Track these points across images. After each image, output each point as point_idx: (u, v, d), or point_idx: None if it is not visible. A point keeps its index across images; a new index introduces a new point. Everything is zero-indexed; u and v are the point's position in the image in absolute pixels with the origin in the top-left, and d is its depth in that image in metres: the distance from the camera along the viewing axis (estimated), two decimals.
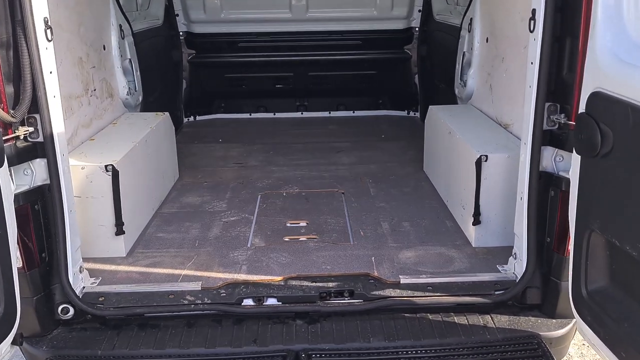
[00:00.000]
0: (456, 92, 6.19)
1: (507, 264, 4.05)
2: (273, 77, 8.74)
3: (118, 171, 4.13)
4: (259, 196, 5.60)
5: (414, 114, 8.83)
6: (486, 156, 4.21)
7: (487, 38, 5.40)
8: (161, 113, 5.71)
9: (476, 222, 4.32)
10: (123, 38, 5.67)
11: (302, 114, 8.94)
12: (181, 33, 8.22)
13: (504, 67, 4.94)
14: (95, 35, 5.07)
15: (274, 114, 8.91)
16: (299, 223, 4.97)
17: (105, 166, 4.10)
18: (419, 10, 8.22)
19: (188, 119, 8.65)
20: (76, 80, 4.60)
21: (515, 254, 3.91)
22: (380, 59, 8.59)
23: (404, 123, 8.57)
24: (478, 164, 4.20)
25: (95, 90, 4.98)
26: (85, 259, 4.09)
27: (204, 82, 8.65)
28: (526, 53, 4.39)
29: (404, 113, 8.90)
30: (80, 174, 4.08)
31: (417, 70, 8.51)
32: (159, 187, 5.33)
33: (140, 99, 6.06)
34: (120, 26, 5.59)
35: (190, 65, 8.46)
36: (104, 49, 5.28)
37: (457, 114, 5.47)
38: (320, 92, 8.88)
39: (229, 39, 8.38)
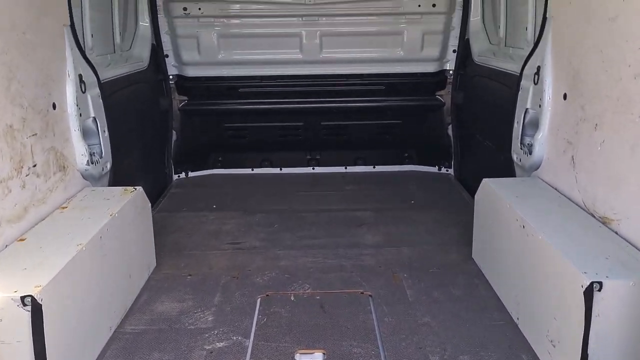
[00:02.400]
0: (514, 157, 4.80)
1: None
2: (280, 127, 7.43)
3: (41, 305, 2.73)
4: (258, 301, 4.18)
5: (447, 170, 7.46)
6: (600, 283, 2.78)
7: (565, 94, 4.04)
8: (131, 188, 4.36)
9: None
10: (84, 92, 4.35)
11: (313, 169, 7.59)
12: (171, 77, 6.95)
13: (599, 137, 3.56)
14: (39, 91, 3.76)
15: (281, 169, 7.56)
16: (313, 353, 3.54)
17: (22, 298, 2.71)
18: (454, 51, 6.92)
19: (178, 176, 7.32)
20: (0, 158, 3.26)
21: None
22: (406, 107, 7.27)
23: (435, 182, 7.18)
24: (588, 295, 2.77)
25: (35, 166, 3.64)
26: None
27: (198, 132, 7.35)
28: None
29: (434, 169, 7.53)
30: None
31: (451, 120, 7.17)
32: (122, 294, 3.93)
33: (109, 165, 4.72)
34: (80, 77, 4.29)
35: (181, 113, 7.16)
36: (54, 107, 3.97)
37: (526, 195, 4.07)
38: (335, 144, 7.55)
39: (228, 84, 7.10)
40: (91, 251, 3.39)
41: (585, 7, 3.72)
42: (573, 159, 3.91)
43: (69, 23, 4.19)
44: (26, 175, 3.54)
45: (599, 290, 2.78)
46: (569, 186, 3.97)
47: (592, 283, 2.78)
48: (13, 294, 2.73)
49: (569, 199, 3.96)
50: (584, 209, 3.73)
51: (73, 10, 4.33)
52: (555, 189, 4.16)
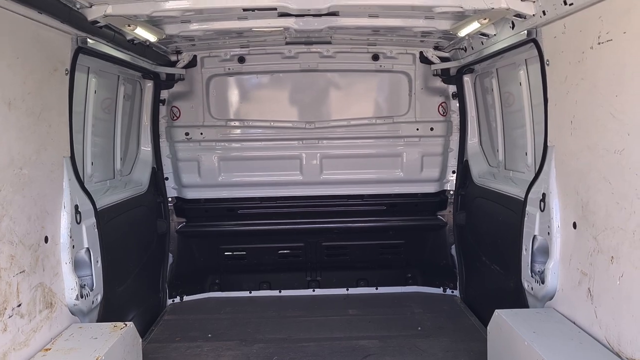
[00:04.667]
0: (525, 285, 4.60)
1: None
2: (279, 248, 7.26)
3: None
4: None
5: (452, 291, 7.19)
6: None
7: (575, 223, 3.93)
8: (121, 324, 4.09)
9: None
10: (79, 222, 4.23)
11: (313, 291, 7.32)
12: (170, 199, 6.90)
13: (617, 270, 3.39)
14: (32, 226, 3.63)
15: (280, 292, 7.28)
16: None
17: None
18: (453, 172, 6.96)
19: (173, 301, 7.01)
20: None
21: None
22: (408, 227, 7.17)
23: (441, 305, 6.88)
24: None
25: (20, 305, 3.42)
26: None
27: (195, 255, 7.16)
28: None
29: (439, 290, 7.26)
30: None
31: (454, 240, 7.04)
32: None
33: (100, 297, 4.48)
34: (76, 207, 4.19)
35: (179, 235, 7.03)
36: (46, 241, 3.82)
37: (544, 330, 3.82)
38: (336, 266, 7.34)
39: (227, 205, 7.05)
40: None
41: (587, 138, 3.73)
42: (590, 291, 3.71)
43: (69, 155, 4.17)
44: (9, 317, 3.30)
45: None
46: (588, 321, 3.74)
47: None
48: None
49: (589, 334, 3.70)
50: (607, 348, 3.47)
51: (75, 137, 4.35)
52: (573, 322, 3.91)
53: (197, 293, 7.16)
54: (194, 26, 5.24)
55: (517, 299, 4.74)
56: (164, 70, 6.48)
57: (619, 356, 3.35)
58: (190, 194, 6.97)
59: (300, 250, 7.30)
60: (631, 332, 3.26)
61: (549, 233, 4.24)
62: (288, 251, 7.30)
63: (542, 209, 4.34)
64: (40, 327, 3.65)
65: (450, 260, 7.16)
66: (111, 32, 4.62)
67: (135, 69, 5.87)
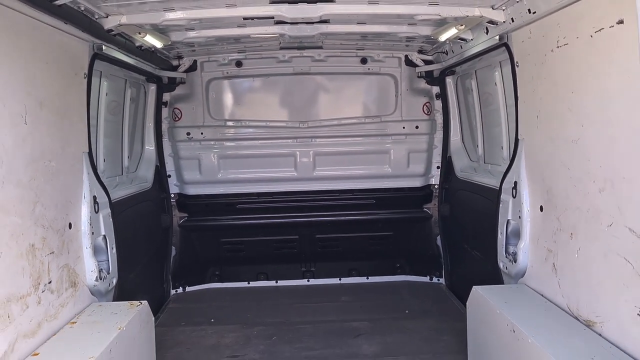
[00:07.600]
0: (500, 266, 5.09)
1: None
2: (275, 241, 7.72)
3: None
4: None
5: (438, 279, 7.68)
6: None
7: (542, 206, 4.43)
8: (137, 303, 4.52)
9: None
10: (97, 211, 4.67)
11: (308, 281, 7.78)
12: (173, 195, 7.34)
13: (575, 245, 3.89)
14: (58, 212, 4.07)
15: (276, 282, 7.74)
16: None
17: None
18: (438, 167, 7.46)
19: (176, 291, 7.44)
20: (22, 275, 3.49)
21: None
22: (396, 219, 7.66)
23: (427, 291, 7.37)
24: None
25: (50, 282, 3.85)
26: None
27: (196, 248, 7.60)
28: (612, 233, 3.38)
29: (426, 279, 7.75)
30: None
31: (439, 231, 7.53)
32: None
33: (115, 281, 4.91)
34: (95, 198, 4.62)
35: (181, 229, 7.46)
36: (70, 227, 4.25)
37: (514, 301, 4.30)
38: (329, 257, 7.81)
39: (226, 201, 7.50)
40: None
41: (550, 130, 4.23)
42: (554, 266, 4.20)
43: (87, 150, 4.61)
44: (42, 292, 3.73)
45: None
46: (553, 292, 4.23)
47: None
48: None
49: (554, 304, 4.19)
50: (568, 313, 3.95)
51: (91, 138, 4.78)
52: (541, 295, 4.40)
53: (198, 284, 7.60)
54: (197, 33, 5.69)
55: (494, 279, 5.22)
56: (167, 74, 6.93)
57: (577, 319, 3.84)
58: (192, 190, 7.41)
59: (295, 243, 7.75)
60: (586, 298, 3.75)
61: (520, 217, 4.73)
62: (284, 244, 7.75)
63: (514, 195, 4.84)
64: (66, 303, 4.08)
65: (436, 250, 7.64)
66: (123, 39, 5.08)
67: (140, 73, 6.32)
